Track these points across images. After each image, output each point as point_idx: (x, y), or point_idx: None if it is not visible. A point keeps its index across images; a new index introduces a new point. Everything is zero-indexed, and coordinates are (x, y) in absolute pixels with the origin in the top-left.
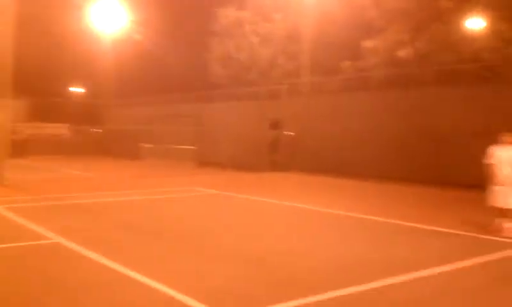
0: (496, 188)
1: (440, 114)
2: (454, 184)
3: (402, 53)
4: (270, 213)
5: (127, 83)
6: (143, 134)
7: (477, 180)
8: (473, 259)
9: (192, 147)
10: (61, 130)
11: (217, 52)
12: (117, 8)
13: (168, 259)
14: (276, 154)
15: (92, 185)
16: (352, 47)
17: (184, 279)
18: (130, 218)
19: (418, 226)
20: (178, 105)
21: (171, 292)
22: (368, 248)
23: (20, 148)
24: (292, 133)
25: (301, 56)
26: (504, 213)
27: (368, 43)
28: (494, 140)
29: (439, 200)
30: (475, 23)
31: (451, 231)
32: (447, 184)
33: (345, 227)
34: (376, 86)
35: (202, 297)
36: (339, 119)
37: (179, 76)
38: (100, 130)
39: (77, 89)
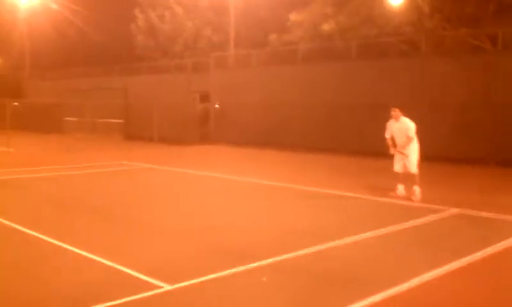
0: (395, 156)
1: (362, 87)
2: (378, 154)
3: (326, 27)
4: (202, 185)
5: (48, 55)
6: (67, 108)
7: None
8: (389, 226)
9: (119, 120)
10: None
11: (141, 23)
12: None
13: (104, 233)
14: (205, 127)
15: (14, 160)
16: (279, 20)
17: (123, 253)
18: (62, 194)
19: (343, 193)
20: (104, 78)
21: (114, 265)
22: (301, 217)
23: None
24: (217, 105)
25: (227, 28)
26: (401, 178)
27: (294, 16)
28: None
29: (363, 169)
30: None
31: (370, 197)
32: (371, 154)
33: (276, 196)
34: (302, 59)
35: (143, 268)
36: (266, 92)
37: (103, 48)
38: (16, 104)
39: None
